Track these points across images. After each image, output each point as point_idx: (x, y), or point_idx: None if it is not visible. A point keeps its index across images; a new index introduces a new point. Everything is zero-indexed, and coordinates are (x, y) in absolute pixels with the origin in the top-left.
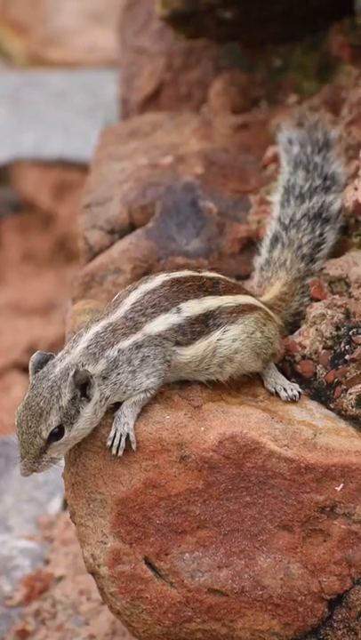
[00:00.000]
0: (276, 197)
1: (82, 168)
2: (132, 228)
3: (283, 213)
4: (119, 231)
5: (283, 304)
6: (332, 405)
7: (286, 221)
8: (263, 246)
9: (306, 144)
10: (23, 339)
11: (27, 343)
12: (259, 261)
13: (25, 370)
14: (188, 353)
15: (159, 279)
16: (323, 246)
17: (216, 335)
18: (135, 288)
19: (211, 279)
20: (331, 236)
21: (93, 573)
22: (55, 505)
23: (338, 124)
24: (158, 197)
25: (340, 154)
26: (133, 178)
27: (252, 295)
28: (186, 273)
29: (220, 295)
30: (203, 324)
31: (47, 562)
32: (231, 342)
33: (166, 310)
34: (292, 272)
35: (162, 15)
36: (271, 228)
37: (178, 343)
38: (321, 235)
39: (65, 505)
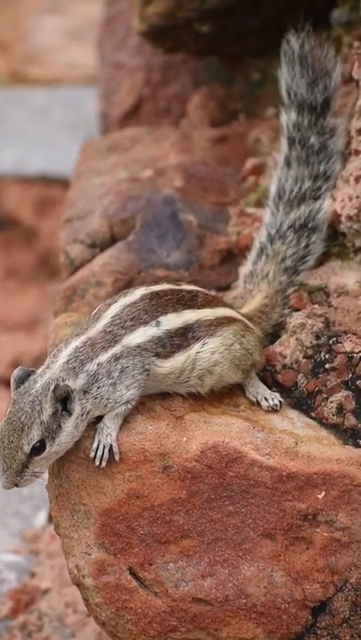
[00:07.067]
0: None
1: (64, 184)
2: (112, 241)
3: (271, 222)
4: (100, 245)
5: (263, 316)
6: (313, 414)
7: (273, 232)
8: (250, 255)
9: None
10: (7, 354)
11: (11, 358)
12: (244, 272)
13: (9, 385)
14: (168, 365)
15: (138, 293)
16: (308, 258)
17: (195, 348)
18: (115, 302)
19: (189, 292)
20: (317, 247)
21: (78, 584)
22: (40, 518)
23: None
24: (138, 211)
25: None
26: (113, 192)
27: (230, 307)
28: (165, 286)
29: (199, 308)
30: (182, 338)
31: (33, 575)
32: (210, 355)
33: (145, 323)
34: (273, 285)
35: (140, 30)
36: (260, 235)
37: (157, 355)
38: (307, 246)
39: (50, 518)
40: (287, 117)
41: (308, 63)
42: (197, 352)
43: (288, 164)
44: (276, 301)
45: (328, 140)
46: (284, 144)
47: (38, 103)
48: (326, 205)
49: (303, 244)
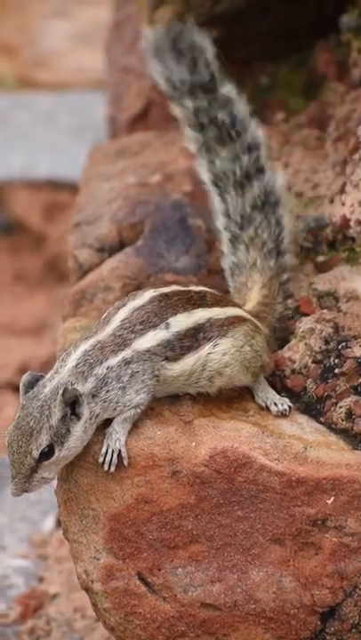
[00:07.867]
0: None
1: (71, 188)
2: (121, 246)
3: (227, 208)
4: (109, 249)
5: (267, 309)
6: (322, 419)
7: (238, 218)
8: (224, 246)
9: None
10: (15, 359)
11: (19, 363)
12: (227, 264)
13: (17, 390)
14: (177, 368)
15: (147, 295)
16: (283, 234)
17: (206, 349)
18: (123, 305)
19: (198, 292)
20: (286, 219)
21: (87, 589)
22: (49, 523)
23: (325, 140)
24: (147, 215)
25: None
26: (122, 196)
27: (239, 306)
28: (173, 287)
29: (209, 307)
30: (192, 339)
31: (41, 580)
32: (221, 356)
33: (155, 326)
34: (265, 272)
35: None
36: (222, 223)
37: (167, 358)
38: (278, 222)
39: (59, 523)
40: (183, 108)
41: (180, 47)
42: (208, 353)
43: (209, 148)
44: (275, 289)
45: (232, 109)
46: (191, 135)
47: (45, 108)
48: (279, 175)
49: (273, 221)
